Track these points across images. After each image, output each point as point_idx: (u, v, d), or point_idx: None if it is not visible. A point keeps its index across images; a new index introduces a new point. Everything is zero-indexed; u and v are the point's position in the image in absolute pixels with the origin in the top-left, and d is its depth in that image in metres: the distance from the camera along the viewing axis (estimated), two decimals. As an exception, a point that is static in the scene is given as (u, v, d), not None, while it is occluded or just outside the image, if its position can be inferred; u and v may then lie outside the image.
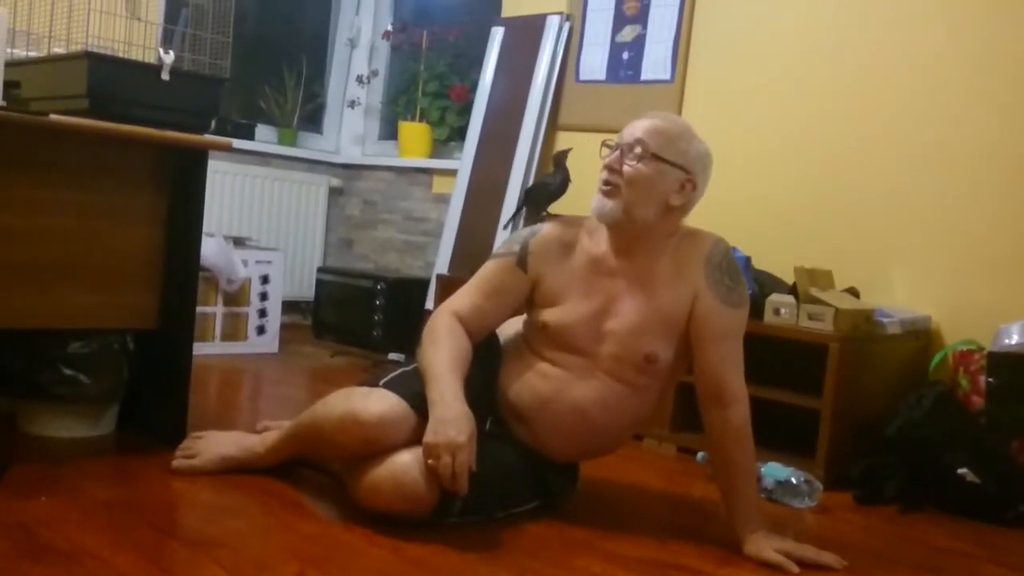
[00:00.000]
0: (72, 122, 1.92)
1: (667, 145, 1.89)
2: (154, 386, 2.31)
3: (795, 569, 1.78)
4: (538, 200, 2.15)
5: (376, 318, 3.90)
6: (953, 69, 2.85)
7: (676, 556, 1.83)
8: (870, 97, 3.01)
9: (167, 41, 2.30)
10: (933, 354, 2.74)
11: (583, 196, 3.56)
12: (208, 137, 2.20)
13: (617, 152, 1.89)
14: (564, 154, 2.23)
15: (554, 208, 3.76)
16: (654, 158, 1.88)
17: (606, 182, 1.90)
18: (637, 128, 1.90)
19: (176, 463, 2.04)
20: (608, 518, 2.04)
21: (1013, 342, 2.52)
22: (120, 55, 2.19)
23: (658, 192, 1.90)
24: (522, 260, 1.98)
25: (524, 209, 2.12)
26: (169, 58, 2.07)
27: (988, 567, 1.98)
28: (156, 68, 2.08)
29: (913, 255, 2.89)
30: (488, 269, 2.02)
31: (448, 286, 2.21)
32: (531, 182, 3.75)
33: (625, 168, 1.88)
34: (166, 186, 2.21)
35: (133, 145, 2.12)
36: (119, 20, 2.25)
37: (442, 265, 3.86)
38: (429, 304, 3.75)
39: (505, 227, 2.12)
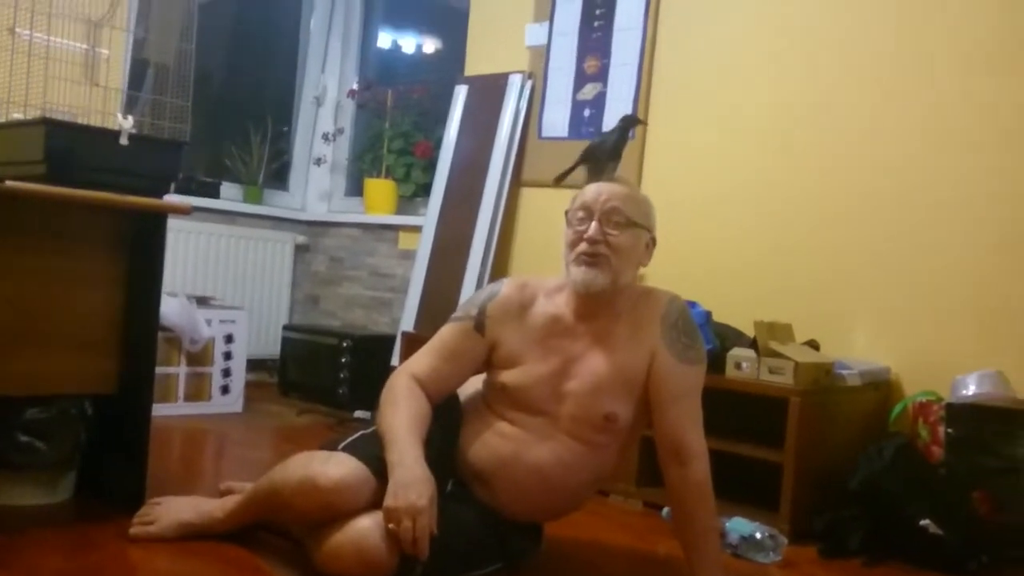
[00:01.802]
0: (27, 188, 1.92)
1: (637, 209, 1.93)
2: (113, 451, 2.28)
3: (758, 627, 1.78)
4: (598, 156, 2.03)
5: (342, 375, 3.88)
6: (909, 126, 2.91)
7: (639, 616, 1.82)
8: (827, 154, 3.06)
9: (129, 106, 2.32)
10: (893, 405, 2.76)
11: (543, 251, 3.60)
12: (167, 201, 2.20)
13: (596, 223, 1.89)
14: (631, 118, 2.11)
15: (519, 261, 3.80)
16: (632, 224, 1.91)
17: (592, 254, 1.89)
18: (609, 196, 1.91)
19: (133, 530, 2.01)
20: (572, 578, 2.02)
21: (970, 393, 2.55)
22: (80, 121, 2.20)
23: (636, 256, 1.94)
24: (480, 324, 1.99)
25: (581, 166, 2.04)
26: (128, 123, 2.08)
27: (951, 620, 1.99)
28: (114, 133, 2.09)
29: (871, 307, 2.93)
30: (446, 332, 2.03)
31: (414, 343, 2.21)
32: (496, 237, 3.79)
33: (611, 238, 1.89)
34: (125, 249, 2.20)
35: (91, 210, 2.12)
36: (79, 87, 2.26)
37: (408, 322, 3.86)
38: (395, 361, 3.74)
39: (557, 182, 2.10)
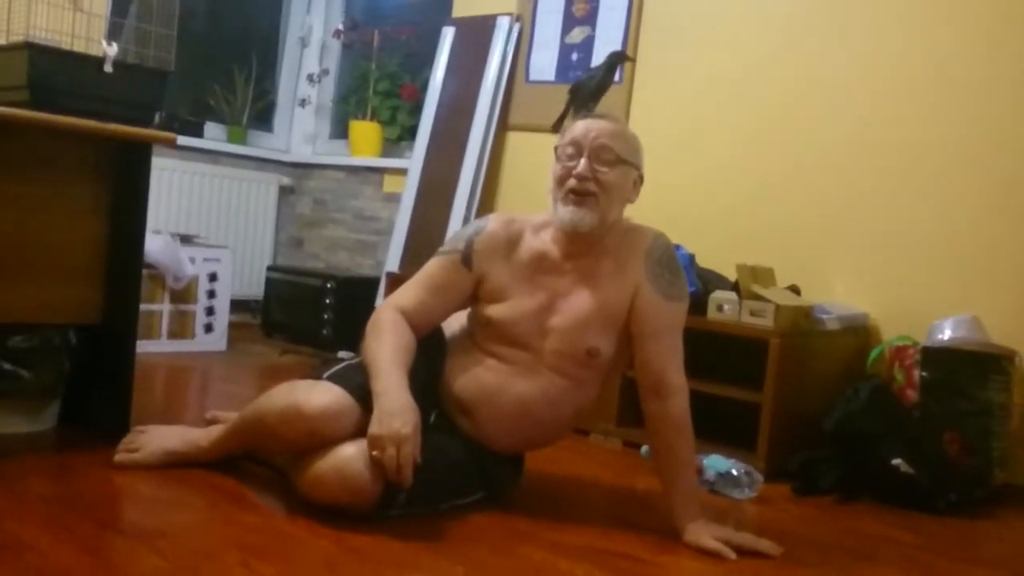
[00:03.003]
0: (11, 113, 1.90)
1: (626, 146, 1.94)
2: (98, 381, 2.29)
3: (732, 556, 1.82)
4: (583, 95, 2.03)
5: (326, 317, 3.89)
6: (886, 75, 2.93)
7: (617, 545, 1.86)
8: (811, 101, 3.07)
9: (113, 34, 2.28)
10: (870, 349, 2.81)
11: (529, 195, 3.61)
12: (151, 130, 2.19)
13: (585, 159, 1.89)
14: (619, 54, 2.11)
15: (505, 205, 3.80)
16: (621, 161, 1.91)
17: (580, 191, 1.89)
18: (598, 132, 1.90)
19: (118, 457, 2.03)
20: (552, 509, 2.06)
21: (946, 337, 2.59)
22: (64, 47, 2.17)
23: (624, 194, 1.95)
24: (467, 258, 2.00)
25: (571, 108, 2.01)
26: (112, 50, 2.05)
27: (920, 554, 2.04)
28: (99, 60, 2.06)
29: (852, 254, 2.97)
30: (433, 266, 2.04)
31: (398, 284, 2.23)
32: (482, 181, 3.78)
33: (600, 175, 1.89)
34: (109, 180, 2.19)
35: (75, 137, 2.10)
36: (63, 12, 2.23)
37: (392, 264, 3.87)
38: (379, 302, 3.75)
39: (554, 130, 2.07)
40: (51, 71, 2.01)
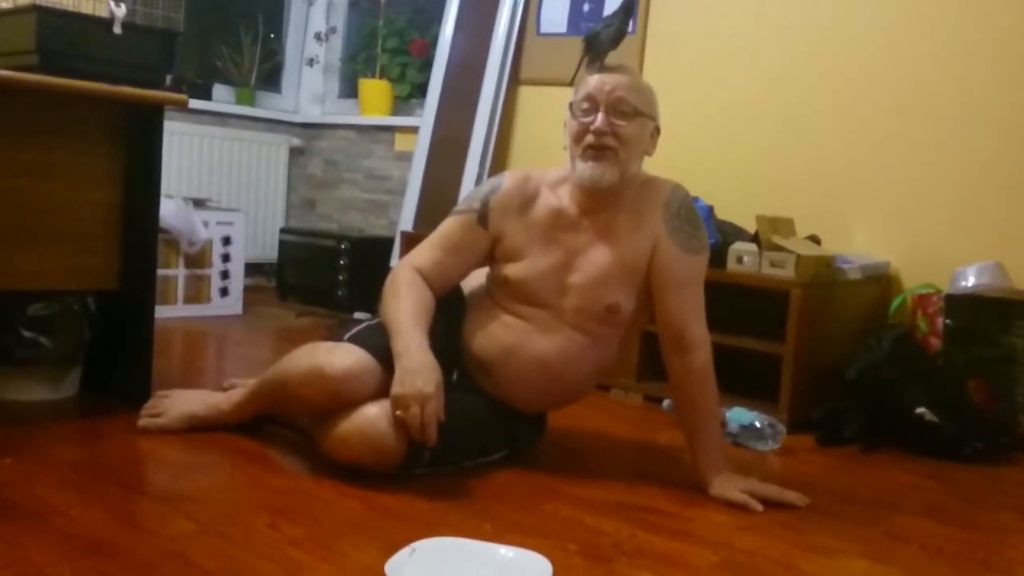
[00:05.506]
0: (22, 77, 1.88)
1: (642, 98, 1.90)
2: (118, 347, 2.29)
3: (759, 508, 1.81)
4: (601, 43, 1.95)
5: (340, 278, 3.89)
6: (910, 25, 2.87)
7: (643, 499, 1.85)
8: (832, 50, 3.02)
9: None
10: (892, 298, 2.78)
11: (542, 150, 3.57)
12: (163, 92, 2.16)
13: (602, 113, 1.86)
14: (633, 2, 2.04)
15: (518, 161, 3.77)
16: (638, 114, 1.88)
17: (599, 146, 1.86)
18: (614, 85, 1.87)
19: (142, 422, 2.03)
20: (576, 465, 2.06)
21: (970, 284, 2.56)
22: (71, 9, 2.14)
23: (642, 146, 1.92)
24: (483, 217, 1.98)
25: (586, 58, 1.95)
26: (121, 11, 2.02)
27: (945, 500, 2.03)
28: (108, 22, 2.03)
29: (872, 203, 2.93)
30: (449, 225, 2.01)
31: (412, 244, 2.21)
32: (494, 137, 3.74)
33: (618, 129, 1.86)
34: (122, 144, 2.17)
35: (86, 101, 2.08)
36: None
37: (406, 223, 3.85)
38: (393, 262, 3.74)
39: (572, 83, 2.01)
40: (60, 34, 1.97)
